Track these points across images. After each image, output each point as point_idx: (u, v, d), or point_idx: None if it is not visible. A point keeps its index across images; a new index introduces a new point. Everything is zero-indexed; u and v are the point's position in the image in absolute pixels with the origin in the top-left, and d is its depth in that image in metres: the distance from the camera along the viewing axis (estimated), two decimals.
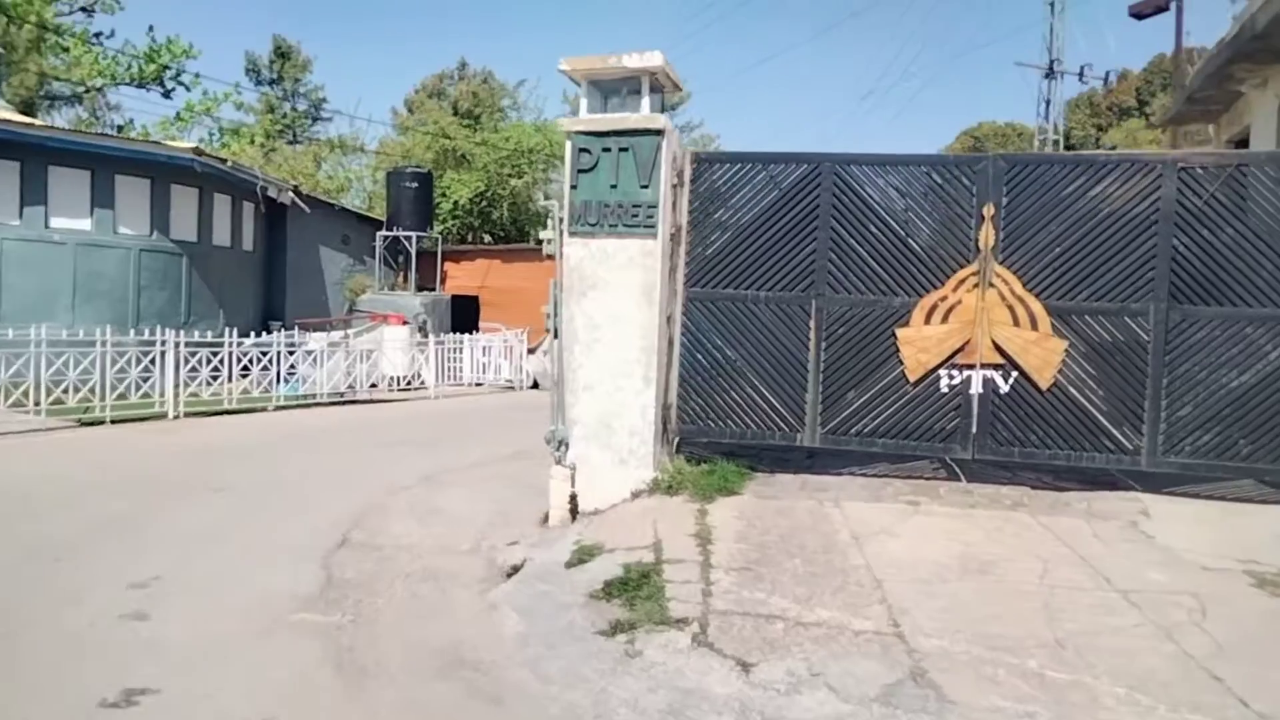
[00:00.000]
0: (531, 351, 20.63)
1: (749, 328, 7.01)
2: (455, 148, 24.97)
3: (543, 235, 7.12)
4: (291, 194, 19.14)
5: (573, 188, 6.95)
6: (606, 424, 6.92)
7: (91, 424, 12.48)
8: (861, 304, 6.83)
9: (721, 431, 7.09)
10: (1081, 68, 20.05)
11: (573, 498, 6.83)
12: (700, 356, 7.09)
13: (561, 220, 7.02)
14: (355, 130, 30.80)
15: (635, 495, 6.79)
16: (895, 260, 6.77)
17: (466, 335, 20.32)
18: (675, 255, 7.13)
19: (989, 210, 6.59)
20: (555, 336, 7.03)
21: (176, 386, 13.68)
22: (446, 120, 27.27)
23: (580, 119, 6.98)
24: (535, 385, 20.54)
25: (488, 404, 17.57)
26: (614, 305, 6.88)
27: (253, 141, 29.93)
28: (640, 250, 6.83)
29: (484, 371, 20.50)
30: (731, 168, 7.04)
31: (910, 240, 6.74)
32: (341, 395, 16.39)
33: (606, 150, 6.86)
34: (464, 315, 21.80)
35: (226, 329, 14.93)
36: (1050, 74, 19.88)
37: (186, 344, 13.97)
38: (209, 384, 14.26)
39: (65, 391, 12.72)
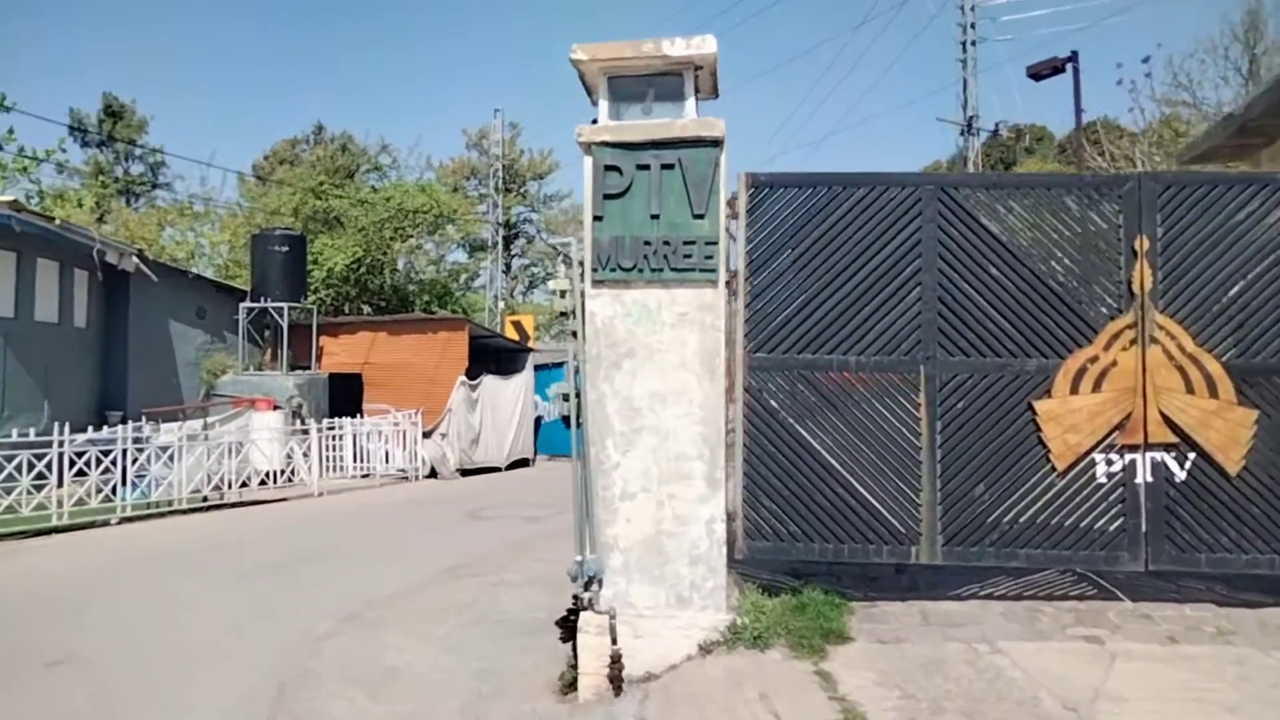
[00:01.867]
0: (427, 435, 18.13)
1: (838, 405, 5.20)
2: (328, 209, 22.39)
3: (552, 285, 5.13)
4: (135, 259, 16.18)
5: (596, 219, 5.02)
6: (657, 548, 4.90)
7: None
8: (985, 369, 5.16)
9: (806, 549, 5.19)
10: (996, 124, 20.08)
11: (615, 659, 4.73)
12: (773, 447, 5.21)
13: (581, 264, 5.06)
14: (208, 190, 27.37)
15: (706, 649, 4.77)
16: (1027, 311, 5.16)
17: (349, 419, 17.63)
18: (731, 311, 5.29)
19: (1142, 244, 5.11)
20: (577, 426, 5.00)
21: None
22: (315, 178, 24.58)
23: (606, 126, 5.09)
24: (433, 474, 18.03)
25: (385, 500, 14.96)
26: (661, 380, 4.94)
27: (80, 205, 26.25)
28: (696, 303, 4.95)
29: (369, 460, 17.80)
30: (800, 193, 5.31)
31: (1045, 285, 5.15)
32: (204, 499, 13.46)
33: (643, 168, 4.99)
34: (345, 396, 19.08)
35: (54, 424, 11.88)
36: (968, 129, 19.69)
37: (0, 444, 10.91)
38: (30, 494, 11.18)
39: None
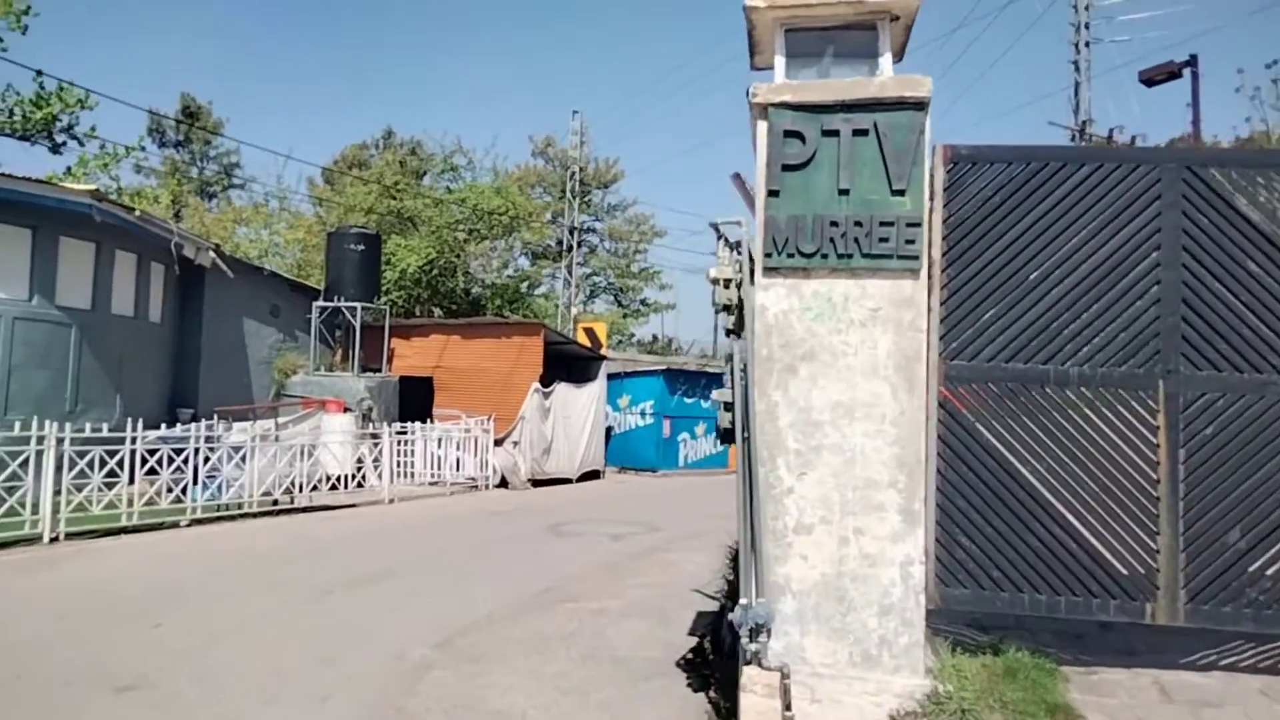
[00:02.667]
0: (499, 443, 17.48)
1: (1054, 427, 4.30)
2: (402, 209, 21.94)
3: (713, 273, 4.33)
4: (212, 254, 15.82)
5: (771, 194, 4.21)
6: (839, 594, 4.05)
7: None
8: (1242, 387, 4.21)
9: (1013, 600, 4.28)
10: (1110, 130, 18.84)
11: None
12: (974, 475, 4.32)
13: (749, 249, 4.25)
14: (284, 187, 26.99)
15: None
16: None
17: (419, 424, 17.06)
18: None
19: None
20: (742, 441, 4.17)
21: (57, 495, 10.12)
22: (390, 178, 24.19)
23: (786, 85, 4.28)
24: (503, 483, 17.36)
25: (459, 510, 14.30)
26: (846, 390, 4.10)
27: (157, 201, 26.28)
28: (891, 296, 4.11)
29: (440, 467, 17.20)
30: (1011, 170, 4.43)
31: None
32: (275, 502, 12.93)
33: (830, 135, 4.17)
34: (415, 400, 18.54)
35: (126, 419, 11.44)
36: (1081, 134, 18.48)
37: (73, 439, 10.47)
38: (101, 491, 10.72)
39: None
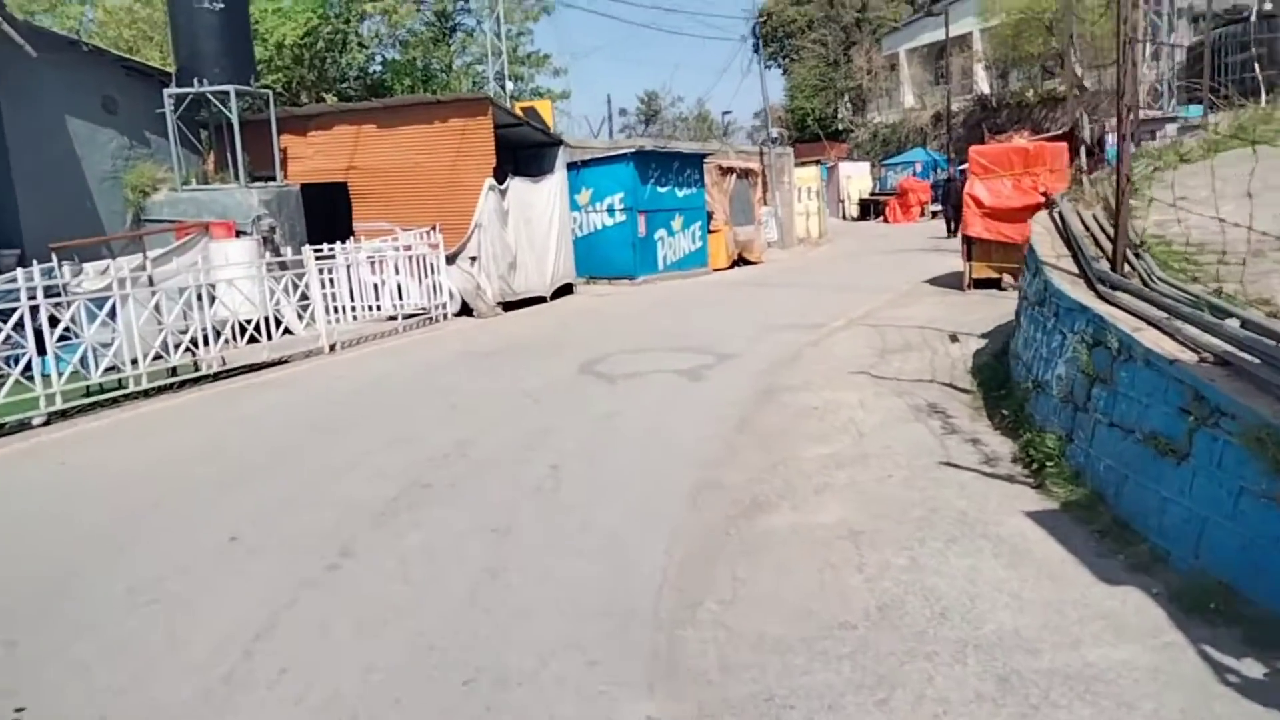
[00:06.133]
0: (450, 261, 13.47)
1: None
2: None
3: None
4: None
5: None
6: None
7: None
8: None
9: None
10: None
11: None
12: None
13: None
14: None
15: None
16: None
17: (340, 244, 12.80)
18: None
19: None
20: None
21: None
22: None
23: None
24: (465, 310, 13.52)
25: (434, 355, 10.50)
26: None
27: None
28: None
29: (376, 297, 13.19)
30: None
31: None
32: (173, 371, 8.91)
33: None
34: (326, 214, 14.15)
35: None
36: None
37: None
38: None
39: None
